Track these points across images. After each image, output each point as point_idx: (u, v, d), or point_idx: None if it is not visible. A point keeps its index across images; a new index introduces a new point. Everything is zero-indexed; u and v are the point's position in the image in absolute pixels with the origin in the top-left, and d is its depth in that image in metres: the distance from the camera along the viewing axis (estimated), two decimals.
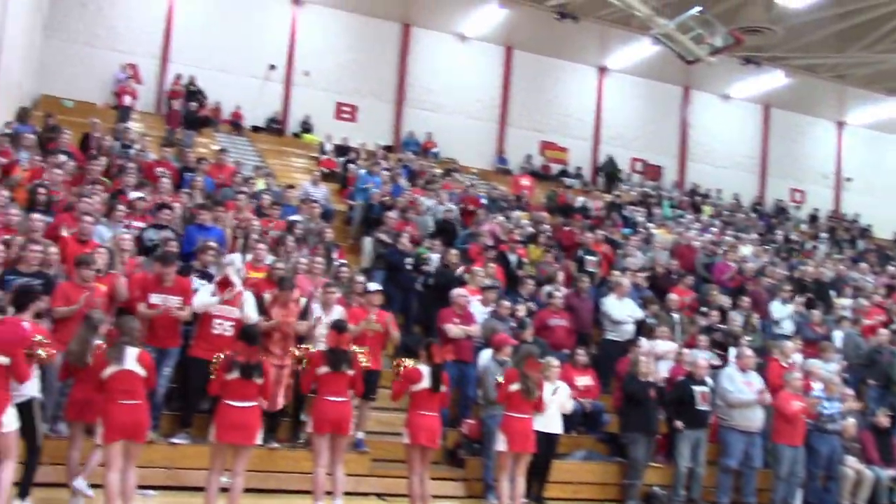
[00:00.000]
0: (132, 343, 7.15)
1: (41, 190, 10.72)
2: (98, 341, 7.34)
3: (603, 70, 31.36)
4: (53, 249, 9.12)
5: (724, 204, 27.75)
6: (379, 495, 9.68)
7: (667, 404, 10.82)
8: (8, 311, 7.04)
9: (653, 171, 31.40)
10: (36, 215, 9.81)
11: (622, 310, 12.88)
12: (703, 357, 11.38)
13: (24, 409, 7.09)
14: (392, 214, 14.07)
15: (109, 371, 6.96)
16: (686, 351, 11.87)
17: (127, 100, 20.77)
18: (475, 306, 11.43)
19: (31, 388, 7.06)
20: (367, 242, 14.83)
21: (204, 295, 9.17)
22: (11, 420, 6.79)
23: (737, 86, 31.12)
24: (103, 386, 6.98)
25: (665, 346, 11.96)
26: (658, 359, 11.49)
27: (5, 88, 15.63)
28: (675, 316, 13.17)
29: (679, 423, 10.67)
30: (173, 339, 9.12)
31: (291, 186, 14.85)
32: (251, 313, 9.11)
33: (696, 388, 10.83)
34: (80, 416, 7.45)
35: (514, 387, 8.61)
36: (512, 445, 8.57)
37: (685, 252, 16.83)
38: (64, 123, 15.77)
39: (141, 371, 7.08)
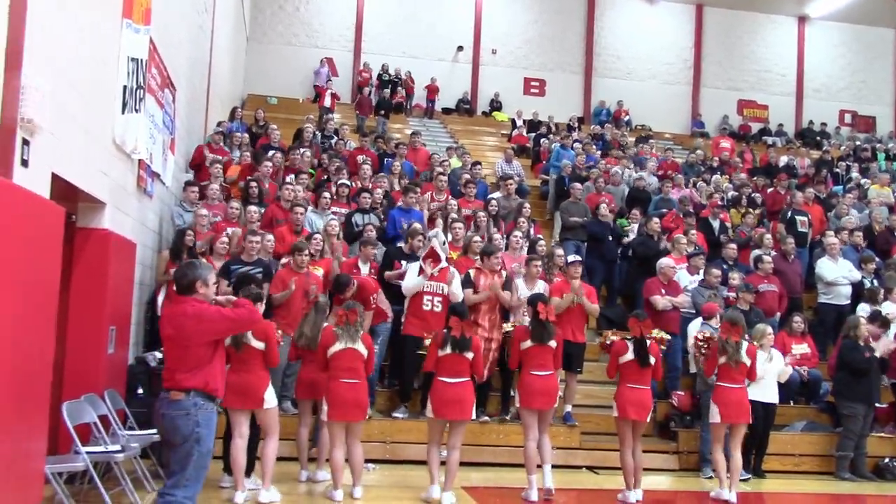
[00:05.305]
0: (360, 323, 7.51)
1: (252, 184, 11.43)
2: (326, 324, 7.73)
3: (803, 19, 29.60)
4: (270, 238, 9.72)
5: None
6: (590, 468, 9.68)
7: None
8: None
9: (864, 123, 29.37)
10: (252, 207, 10.50)
11: (836, 271, 12.16)
12: None
13: None
14: (580, 186, 13.87)
15: (335, 349, 7.33)
16: None
17: (327, 100, 21.59)
18: (682, 275, 11.13)
19: None
20: (559, 216, 14.73)
21: (412, 276, 9.41)
22: (271, 397, 7.27)
23: None
24: (328, 364, 7.36)
25: (891, 308, 11.16)
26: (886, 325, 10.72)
27: (218, 93, 16.77)
28: None
29: None
30: (380, 315, 9.46)
31: (478, 163, 14.96)
32: (457, 290, 9.30)
33: None
34: (310, 394, 7.89)
35: (722, 359, 8.35)
36: (726, 416, 8.32)
37: None
38: (270, 120, 16.71)
39: (363, 351, 7.43)
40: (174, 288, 5.40)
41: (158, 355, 8.54)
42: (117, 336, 7.96)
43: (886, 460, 10.25)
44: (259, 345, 7.10)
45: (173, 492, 4.99)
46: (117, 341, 7.97)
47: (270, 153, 12.92)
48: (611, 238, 12.55)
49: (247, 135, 14.40)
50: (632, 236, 12.90)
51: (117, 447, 6.73)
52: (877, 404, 10.31)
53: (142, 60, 8.22)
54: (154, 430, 7.54)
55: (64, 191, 6.56)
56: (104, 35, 7.30)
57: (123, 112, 7.83)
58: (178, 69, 11.17)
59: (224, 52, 17.92)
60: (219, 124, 14.47)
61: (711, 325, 9.40)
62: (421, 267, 9.34)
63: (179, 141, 11.83)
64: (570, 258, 10.10)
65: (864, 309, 11.29)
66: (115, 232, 7.84)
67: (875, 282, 12.19)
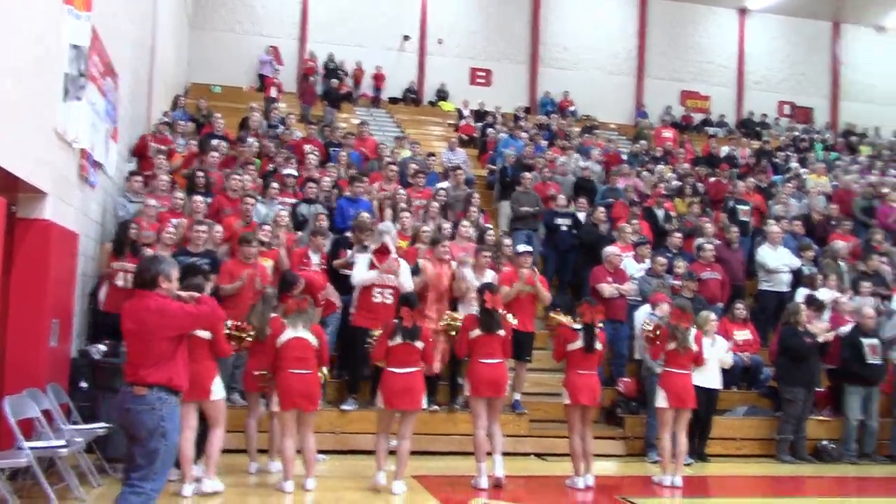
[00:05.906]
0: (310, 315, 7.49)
1: (199, 173, 11.27)
2: (273, 315, 7.67)
3: (743, 11, 30.12)
4: (218, 228, 9.59)
5: (884, 143, 26.05)
6: (538, 455, 9.78)
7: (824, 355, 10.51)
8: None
9: (803, 114, 30.02)
10: (198, 197, 10.34)
11: (777, 259, 12.43)
12: (869, 307, 10.87)
13: None
14: (529, 175, 13.94)
15: (285, 337, 7.29)
16: (844, 299, 11.41)
17: (273, 91, 21.28)
18: (628, 263, 11.28)
19: None
20: (504, 206, 14.80)
21: (362, 269, 9.34)
22: (219, 389, 7.20)
23: (893, 15, 29.14)
24: (278, 354, 7.32)
25: (827, 294, 11.47)
26: (820, 309, 11.02)
27: (161, 81, 16.47)
28: (842, 264, 12.62)
29: None
30: (329, 307, 9.41)
31: (432, 154, 14.95)
32: (405, 281, 9.28)
33: (865, 341, 10.38)
34: (258, 386, 7.82)
35: (672, 345, 8.49)
36: (672, 401, 8.48)
37: (844, 196, 15.98)
38: (213, 108, 16.47)
39: (313, 340, 7.38)
40: (135, 281, 5.33)
41: (102, 348, 8.40)
42: (60, 329, 7.80)
43: (825, 442, 10.56)
44: (205, 335, 6.99)
45: (142, 484, 4.99)
46: (60, 334, 7.81)
47: (216, 142, 12.75)
48: (565, 228, 12.65)
49: (192, 123, 14.18)
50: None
51: (61, 442, 6.59)
52: (816, 388, 10.61)
53: (83, 47, 8.04)
54: (99, 425, 7.44)
55: (4, 181, 6.41)
56: (45, 21, 7.12)
57: (65, 100, 7.66)
58: (120, 57, 10.93)
59: (168, 39, 17.59)
60: (164, 114, 14.21)
61: (656, 314, 9.55)
62: (372, 261, 9.29)
63: (122, 130, 11.60)
64: (521, 248, 10.16)
65: (802, 294, 11.57)
66: (57, 223, 7.66)
67: (814, 269, 12.49)
